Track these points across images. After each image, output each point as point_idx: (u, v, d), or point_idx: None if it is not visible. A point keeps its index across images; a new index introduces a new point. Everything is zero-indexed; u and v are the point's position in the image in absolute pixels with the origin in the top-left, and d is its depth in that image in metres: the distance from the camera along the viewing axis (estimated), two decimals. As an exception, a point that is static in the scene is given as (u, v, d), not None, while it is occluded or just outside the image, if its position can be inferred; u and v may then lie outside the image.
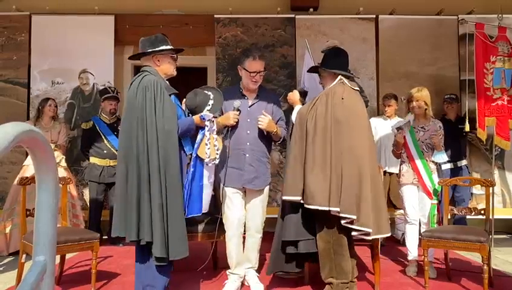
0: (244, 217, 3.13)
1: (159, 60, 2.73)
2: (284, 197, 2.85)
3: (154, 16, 5.37)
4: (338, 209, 2.65)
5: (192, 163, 2.73)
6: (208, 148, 2.70)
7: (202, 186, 2.74)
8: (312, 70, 3.22)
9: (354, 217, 2.66)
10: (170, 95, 2.66)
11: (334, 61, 2.98)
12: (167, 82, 2.75)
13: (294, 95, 3.19)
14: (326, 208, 2.67)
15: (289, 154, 2.93)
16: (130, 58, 3.05)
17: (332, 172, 2.69)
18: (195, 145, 2.74)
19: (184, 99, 2.94)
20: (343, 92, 2.84)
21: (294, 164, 2.82)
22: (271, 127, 3.00)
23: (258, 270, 3.27)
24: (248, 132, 3.05)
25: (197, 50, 5.79)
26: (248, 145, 3.05)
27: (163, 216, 2.47)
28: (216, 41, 5.24)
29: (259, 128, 3.02)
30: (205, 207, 2.78)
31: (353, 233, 2.77)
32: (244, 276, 3.17)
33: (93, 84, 5.23)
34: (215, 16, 5.28)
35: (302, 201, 2.77)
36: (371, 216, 2.72)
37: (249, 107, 3.10)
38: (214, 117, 2.78)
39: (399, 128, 3.58)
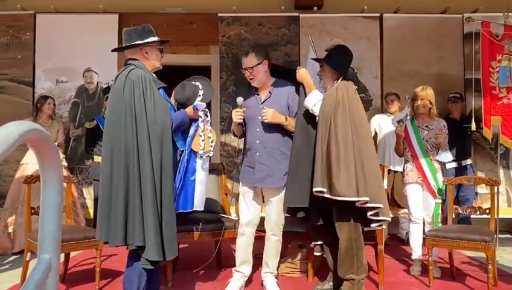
0: (257, 217, 3.09)
1: (147, 53, 2.56)
2: (315, 189, 2.78)
3: (158, 14, 5.37)
4: (367, 198, 2.71)
5: (186, 157, 2.58)
6: (202, 140, 2.59)
7: (194, 181, 2.61)
8: (315, 60, 3.24)
9: (381, 205, 2.76)
10: (158, 89, 2.51)
11: (340, 60, 2.99)
12: (154, 75, 2.61)
13: (306, 73, 3.01)
14: (356, 199, 2.70)
15: (317, 149, 2.84)
16: (113, 50, 2.88)
17: (357, 166, 2.75)
18: (188, 139, 2.61)
19: (173, 93, 2.80)
20: (353, 91, 2.94)
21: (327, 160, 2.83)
22: (277, 118, 2.89)
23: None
24: (257, 129, 2.98)
25: (200, 49, 5.81)
26: (258, 143, 2.98)
27: (158, 218, 2.33)
28: (220, 40, 5.24)
29: (270, 125, 2.93)
30: (198, 204, 2.62)
31: (373, 225, 2.86)
32: (263, 281, 3.12)
33: (98, 82, 5.24)
34: (219, 14, 5.28)
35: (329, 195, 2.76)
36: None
37: (261, 104, 3.01)
38: (206, 107, 2.67)
39: (400, 121, 3.57)
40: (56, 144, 4.44)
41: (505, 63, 4.50)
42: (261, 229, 3.16)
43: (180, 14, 5.43)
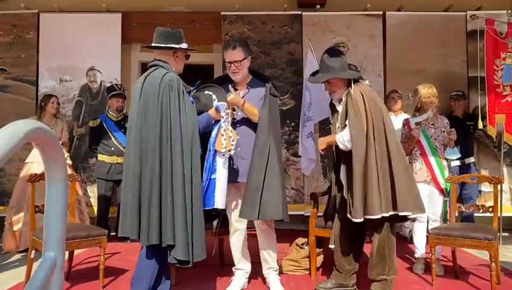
0: None
1: (177, 57, 2.67)
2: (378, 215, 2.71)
3: (161, 13, 5.39)
4: (397, 212, 2.73)
5: (210, 158, 2.68)
6: (224, 139, 2.65)
7: (215, 179, 2.68)
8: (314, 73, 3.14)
9: (410, 213, 2.79)
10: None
11: (344, 64, 2.94)
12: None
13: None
14: (387, 214, 2.71)
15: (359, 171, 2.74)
16: (146, 47, 2.90)
17: (391, 178, 2.75)
18: (212, 140, 2.69)
19: None
20: (369, 90, 2.93)
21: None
22: (238, 102, 2.84)
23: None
24: (238, 124, 2.95)
25: (204, 47, 5.80)
26: (238, 138, 2.90)
27: (187, 219, 2.37)
28: (223, 39, 5.25)
29: (250, 121, 2.93)
30: (218, 202, 2.69)
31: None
32: (266, 278, 3.12)
33: (101, 81, 5.26)
34: (222, 13, 5.28)
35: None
36: None
37: None
38: (228, 108, 2.73)
39: (418, 124, 3.53)
40: (60, 142, 4.45)
41: (509, 60, 4.48)
42: (252, 227, 3.15)
43: (183, 13, 5.44)
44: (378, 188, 2.68)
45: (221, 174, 2.70)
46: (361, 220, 2.70)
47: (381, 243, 2.81)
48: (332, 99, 3.15)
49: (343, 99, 2.92)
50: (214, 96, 2.85)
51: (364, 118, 2.77)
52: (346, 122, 2.84)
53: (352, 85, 2.89)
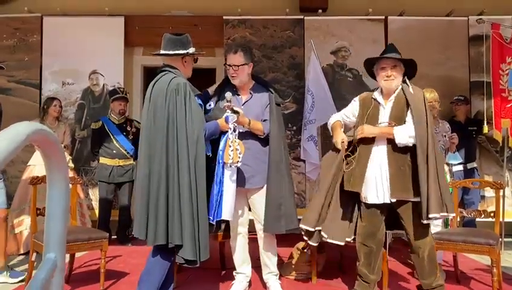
0: (247, 217, 3.09)
1: (186, 62, 2.73)
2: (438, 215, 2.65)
3: (163, 17, 5.41)
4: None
5: (220, 171, 2.71)
6: (231, 150, 2.67)
7: (222, 191, 2.70)
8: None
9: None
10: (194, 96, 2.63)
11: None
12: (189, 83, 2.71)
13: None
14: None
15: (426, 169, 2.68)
16: (155, 54, 2.92)
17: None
18: (220, 153, 2.71)
19: None
20: None
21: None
22: (243, 122, 2.82)
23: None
24: (241, 130, 2.92)
25: (205, 51, 5.81)
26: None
27: (193, 219, 2.43)
28: (225, 43, 5.26)
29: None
30: (225, 213, 2.70)
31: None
32: (266, 283, 3.11)
33: (103, 85, 5.28)
34: (224, 17, 5.30)
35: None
36: None
37: (242, 105, 2.98)
38: (236, 122, 2.74)
39: None
40: (62, 145, 4.47)
41: (514, 65, 4.49)
42: (252, 231, 3.14)
43: (186, 17, 5.46)
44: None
45: (228, 187, 2.72)
46: (438, 215, 2.61)
47: (432, 248, 2.76)
48: (354, 97, 3.15)
49: (394, 94, 2.85)
50: (229, 111, 2.81)
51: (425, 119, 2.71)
52: (408, 119, 2.73)
53: (408, 82, 2.85)
